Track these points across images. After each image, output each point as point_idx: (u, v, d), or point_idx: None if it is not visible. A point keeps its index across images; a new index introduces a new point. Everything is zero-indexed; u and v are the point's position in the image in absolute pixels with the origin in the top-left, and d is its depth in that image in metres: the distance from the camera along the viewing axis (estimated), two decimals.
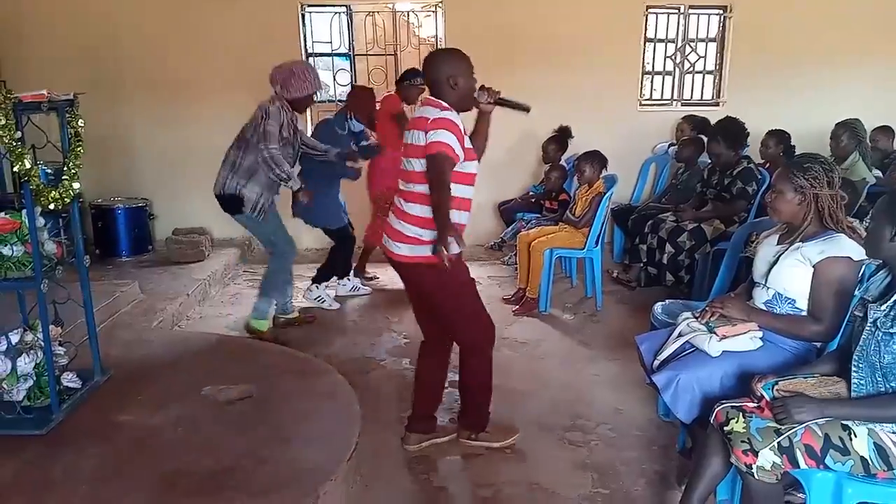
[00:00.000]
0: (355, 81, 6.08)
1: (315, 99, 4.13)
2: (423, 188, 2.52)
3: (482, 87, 2.68)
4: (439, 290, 2.67)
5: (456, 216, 2.54)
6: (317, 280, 4.78)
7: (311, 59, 5.95)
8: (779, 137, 4.86)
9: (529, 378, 3.60)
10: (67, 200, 2.58)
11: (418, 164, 2.53)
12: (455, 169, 2.53)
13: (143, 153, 5.87)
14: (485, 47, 5.69)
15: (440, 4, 5.81)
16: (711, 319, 2.49)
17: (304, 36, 5.88)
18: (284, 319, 4.37)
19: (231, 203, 3.94)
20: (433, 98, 2.60)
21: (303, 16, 5.84)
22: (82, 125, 2.68)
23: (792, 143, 4.85)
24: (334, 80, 6.13)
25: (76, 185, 2.64)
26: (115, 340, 3.56)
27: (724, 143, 4.46)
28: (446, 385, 3.10)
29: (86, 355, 2.94)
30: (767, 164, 4.82)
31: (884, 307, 1.92)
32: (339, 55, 6.00)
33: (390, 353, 3.98)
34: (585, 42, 5.46)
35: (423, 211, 2.53)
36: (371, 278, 5.32)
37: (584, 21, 5.53)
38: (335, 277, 4.88)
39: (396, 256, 2.67)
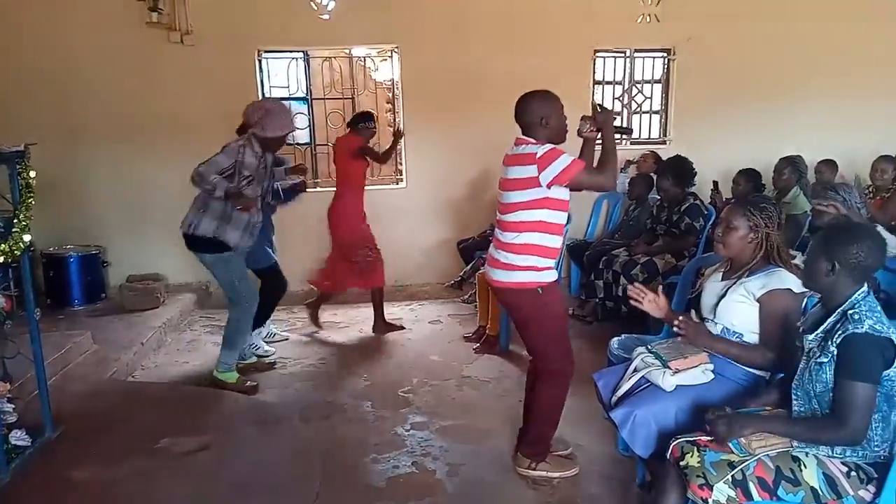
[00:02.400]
0: (313, 125, 6.14)
1: (288, 140, 4.03)
2: (517, 217, 2.75)
3: (584, 117, 2.87)
4: (533, 315, 2.86)
5: (551, 241, 2.78)
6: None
7: None
8: (748, 176, 5.02)
9: (492, 416, 3.62)
10: (17, 253, 2.54)
11: (515, 196, 2.75)
12: (551, 196, 2.72)
13: (96, 199, 5.78)
14: (440, 90, 5.85)
15: (395, 49, 5.95)
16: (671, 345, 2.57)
17: (262, 80, 5.92)
18: (243, 365, 4.25)
19: (204, 244, 3.77)
20: (524, 137, 2.80)
21: (260, 61, 5.89)
22: (33, 176, 2.65)
23: (762, 182, 5.00)
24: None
25: (27, 238, 2.60)
26: (68, 394, 3.47)
27: (672, 180, 4.65)
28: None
29: (37, 410, 2.86)
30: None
31: (813, 337, 2.02)
32: (296, 99, 6.06)
33: (352, 396, 3.95)
34: (538, 84, 5.55)
35: (517, 238, 2.76)
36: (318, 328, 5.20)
37: (535, 64, 5.70)
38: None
39: (494, 282, 2.89)
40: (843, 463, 1.98)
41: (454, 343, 4.82)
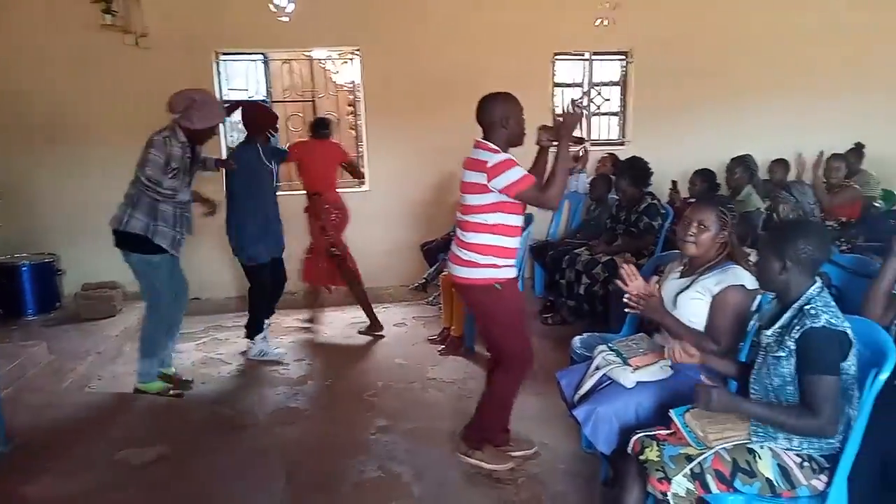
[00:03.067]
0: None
1: (218, 132, 3.93)
2: (475, 219, 2.85)
3: (541, 127, 2.98)
4: (492, 311, 2.97)
5: (508, 241, 2.88)
6: (250, 335, 4.59)
7: None
8: (704, 176, 5.13)
9: (458, 417, 3.61)
10: None
11: (472, 199, 2.85)
12: (506, 200, 2.80)
13: (48, 205, 5.62)
14: (402, 92, 5.85)
15: (357, 52, 5.92)
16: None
17: (220, 83, 5.84)
18: (160, 374, 4.01)
19: (134, 242, 3.67)
20: (484, 141, 2.87)
21: (218, 63, 5.81)
22: None
23: (717, 182, 5.15)
24: None
25: None
26: (22, 406, 3.37)
27: (630, 180, 4.73)
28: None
29: None
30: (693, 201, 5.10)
31: (770, 332, 2.07)
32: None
33: (316, 401, 3.92)
34: (499, 87, 5.62)
35: (477, 238, 2.86)
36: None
37: (497, 67, 5.74)
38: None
39: (455, 279, 3.00)
40: (796, 454, 2.04)
41: (419, 345, 4.82)
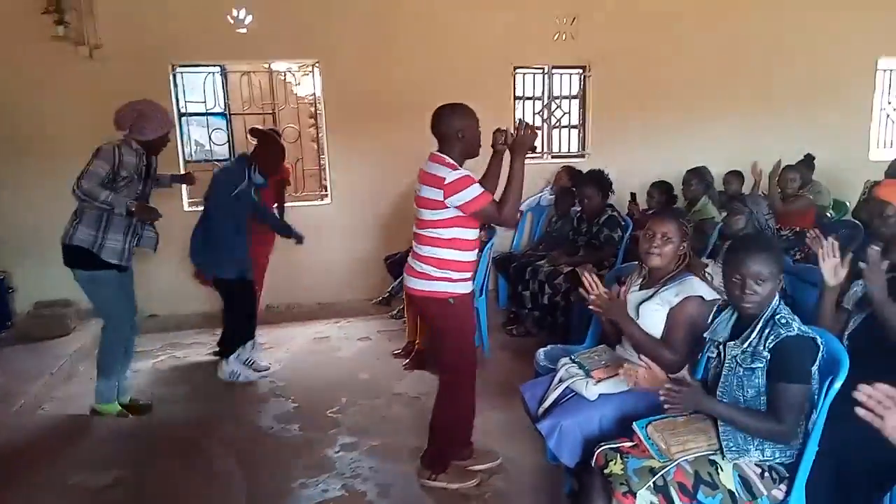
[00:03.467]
0: (233, 141, 5.99)
1: (169, 140, 3.86)
2: (430, 233, 2.84)
3: (497, 130, 2.96)
4: (443, 325, 2.96)
5: (465, 255, 2.88)
6: (224, 353, 4.45)
7: (184, 119, 5.82)
8: (662, 188, 5.24)
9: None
10: None
11: (427, 214, 2.83)
12: (461, 214, 2.79)
13: None
14: (363, 105, 5.84)
15: (317, 64, 5.89)
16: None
17: (177, 96, 5.74)
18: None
19: (81, 258, 3.56)
20: (439, 154, 2.84)
21: (174, 75, 5.71)
22: None
23: (675, 193, 5.28)
24: (210, 139, 6.01)
25: None
26: None
27: (597, 187, 4.81)
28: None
29: None
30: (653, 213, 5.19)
31: (745, 345, 2.09)
32: (214, 115, 5.90)
33: (278, 419, 3.85)
34: (459, 99, 5.66)
35: (433, 252, 2.85)
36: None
37: (457, 80, 5.77)
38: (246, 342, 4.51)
39: (409, 290, 3.00)
40: (756, 465, 2.07)
41: (383, 360, 4.78)
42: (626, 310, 2.59)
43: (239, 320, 4.46)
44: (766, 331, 2.05)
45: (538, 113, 6.50)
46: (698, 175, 5.29)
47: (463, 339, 2.98)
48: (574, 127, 6.63)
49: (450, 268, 2.86)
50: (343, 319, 5.72)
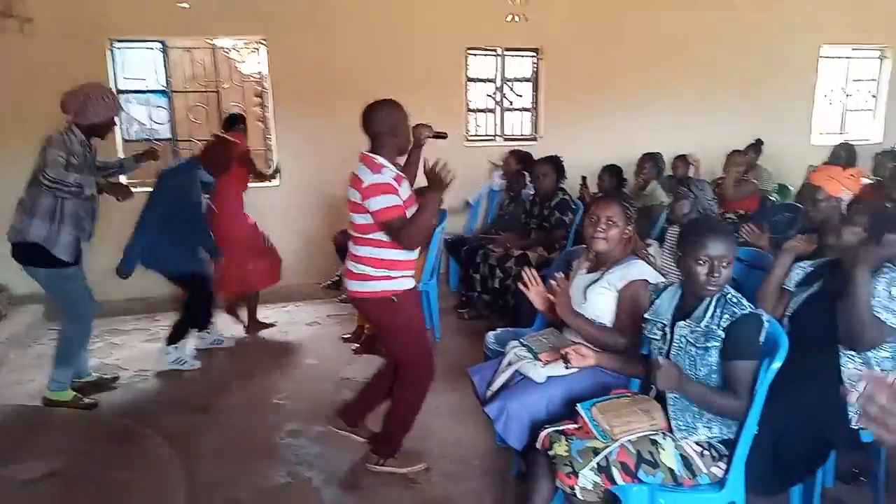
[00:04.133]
0: (174, 120, 5.77)
1: (116, 123, 3.83)
2: (365, 235, 2.77)
3: (419, 125, 2.96)
4: (386, 322, 2.90)
5: (403, 254, 2.80)
6: (172, 340, 4.29)
7: (122, 97, 5.57)
8: (612, 172, 5.26)
9: (373, 418, 3.54)
10: None
11: (358, 218, 2.76)
12: None
13: None
14: (311, 84, 5.69)
15: (262, 41, 5.71)
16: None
17: (114, 73, 5.49)
18: (80, 383, 3.88)
19: (36, 255, 3.50)
20: (369, 154, 2.77)
21: (112, 52, 5.46)
22: None
23: (624, 178, 5.31)
24: (150, 118, 5.78)
25: None
26: None
27: (552, 167, 4.81)
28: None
29: None
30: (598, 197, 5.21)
31: (698, 324, 2.10)
32: (154, 92, 5.67)
33: (221, 407, 3.74)
34: (411, 80, 5.59)
35: (369, 251, 2.78)
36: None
37: (408, 60, 5.68)
38: (195, 330, 4.47)
39: (350, 293, 2.91)
40: (697, 444, 2.09)
41: (332, 344, 4.70)
42: (569, 306, 2.56)
43: (195, 312, 4.37)
44: (720, 310, 2.07)
45: (491, 95, 6.46)
46: (652, 160, 5.35)
47: (413, 335, 2.93)
48: (526, 110, 6.61)
49: (388, 267, 2.80)
50: (291, 304, 5.60)
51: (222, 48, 5.87)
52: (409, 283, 2.88)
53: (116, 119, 3.78)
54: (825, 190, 2.95)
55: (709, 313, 2.10)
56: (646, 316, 2.31)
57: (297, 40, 5.65)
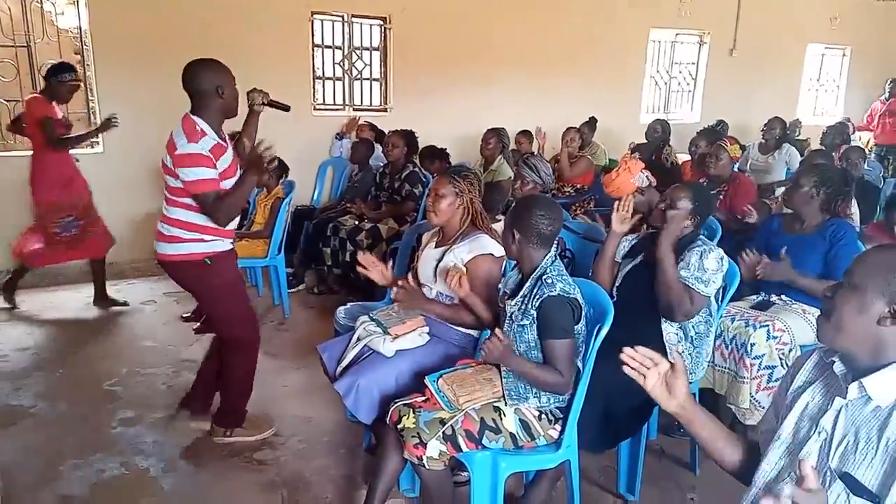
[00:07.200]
0: None
1: None
2: (179, 199, 2.65)
3: (254, 90, 2.92)
4: (201, 286, 2.81)
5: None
6: None
7: None
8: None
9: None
10: None
11: (171, 181, 2.63)
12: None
13: None
14: (139, 42, 5.24)
15: None
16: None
17: None
18: None
19: None
20: (192, 117, 2.63)
21: None
22: None
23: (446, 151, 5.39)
24: None
25: None
26: None
27: (403, 140, 4.84)
28: None
29: None
30: None
31: (514, 302, 2.22)
32: None
33: (44, 396, 3.41)
34: (253, 45, 5.29)
35: (181, 214, 2.66)
36: (13, 307, 4.54)
37: (249, 21, 5.37)
38: None
39: (160, 256, 2.76)
40: (536, 409, 2.22)
41: (171, 324, 4.43)
42: (422, 294, 2.64)
43: None
44: (535, 290, 2.16)
45: (339, 63, 6.30)
46: (497, 134, 5.48)
47: (232, 299, 2.83)
48: (376, 80, 6.53)
49: (202, 231, 2.68)
50: (123, 281, 5.19)
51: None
52: (224, 245, 2.77)
53: None
54: (628, 196, 2.89)
55: (525, 291, 2.19)
56: (499, 286, 2.42)
57: None
